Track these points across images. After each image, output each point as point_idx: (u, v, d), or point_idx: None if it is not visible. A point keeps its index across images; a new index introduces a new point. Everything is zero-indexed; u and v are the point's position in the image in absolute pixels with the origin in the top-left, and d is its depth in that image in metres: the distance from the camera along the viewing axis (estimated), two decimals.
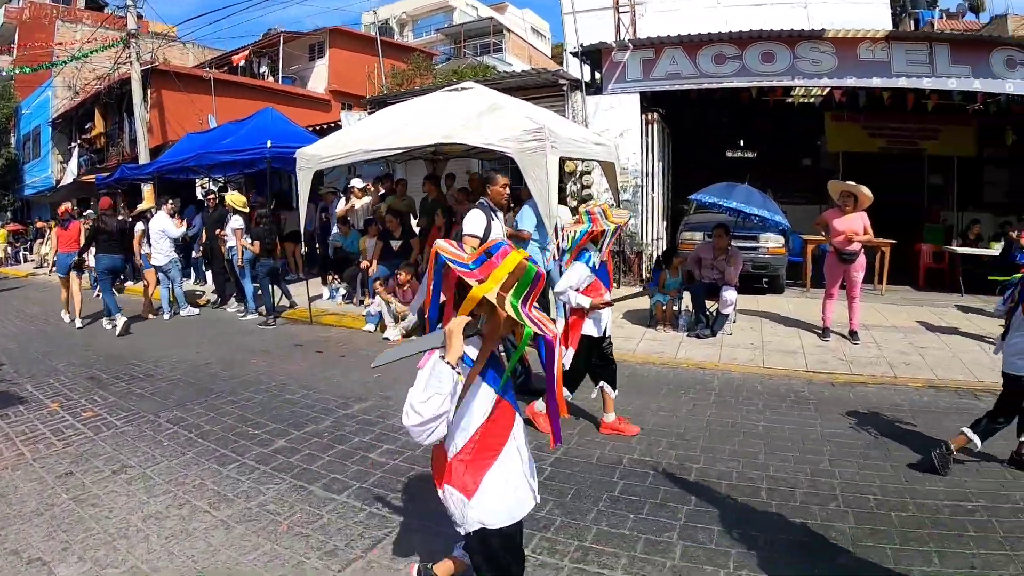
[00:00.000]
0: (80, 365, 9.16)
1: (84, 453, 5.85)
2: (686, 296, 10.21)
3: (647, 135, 14.32)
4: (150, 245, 12.49)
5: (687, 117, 17.84)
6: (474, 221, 7.09)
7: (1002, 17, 21.27)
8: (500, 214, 7.40)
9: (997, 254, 12.71)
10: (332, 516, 4.54)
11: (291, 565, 3.97)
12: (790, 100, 17.73)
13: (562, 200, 12.86)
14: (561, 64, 31.73)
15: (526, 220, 8.71)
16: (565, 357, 5.86)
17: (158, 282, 12.62)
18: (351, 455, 5.60)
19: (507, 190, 7.49)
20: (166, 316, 12.28)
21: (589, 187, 13.88)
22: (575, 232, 5.86)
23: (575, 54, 14.91)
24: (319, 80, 35.39)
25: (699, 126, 19.26)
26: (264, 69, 35.50)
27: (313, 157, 10.63)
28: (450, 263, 2.73)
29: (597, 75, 14.75)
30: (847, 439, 6.03)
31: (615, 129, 13.63)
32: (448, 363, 2.60)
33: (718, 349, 9.02)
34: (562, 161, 8.74)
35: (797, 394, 7.33)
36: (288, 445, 5.85)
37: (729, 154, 21.06)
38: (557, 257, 8.13)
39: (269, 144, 13.66)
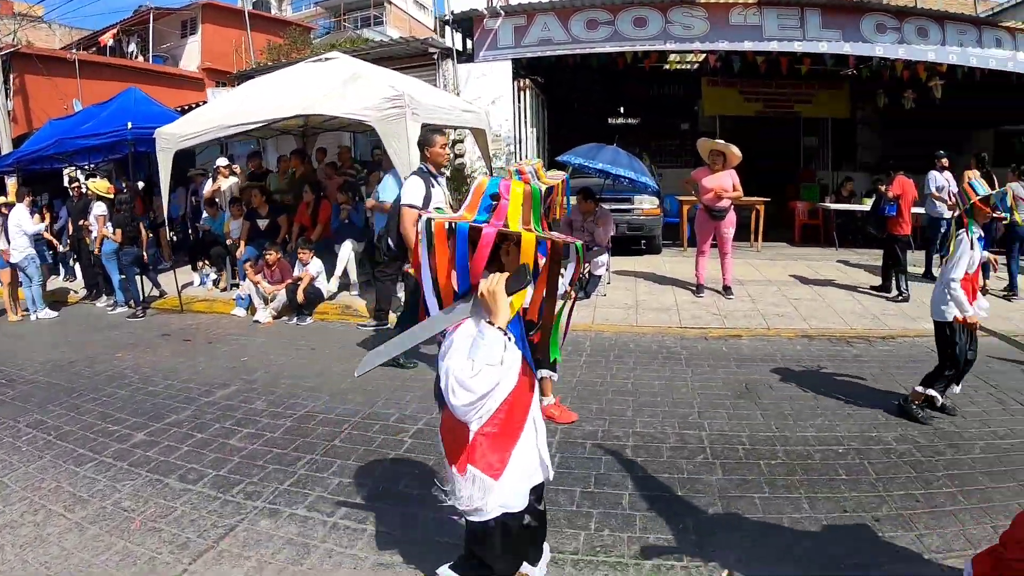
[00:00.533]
0: None
1: None
2: None
3: (519, 102, 14.28)
4: (8, 242, 11.75)
5: (567, 85, 17.94)
6: (411, 190, 6.43)
7: None
8: (441, 179, 6.85)
9: (868, 209, 13.17)
10: (186, 508, 4.35)
11: (143, 562, 3.79)
12: (667, 67, 18.00)
13: None
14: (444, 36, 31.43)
15: (388, 190, 8.44)
16: None
17: (19, 282, 11.91)
18: (209, 443, 5.40)
19: (447, 150, 6.89)
20: (38, 315, 11.61)
21: (462, 155, 13.77)
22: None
23: (446, 22, 14.71)
24: (192, 58, 33.96)
25: (580, 94, 19.47)
26: (133, 48, 34.00)
27: (172, 136, 10.17)
28: (478, 224, 2.38)
29: (469, 43, 14.62)
30: (718, 391, 6.19)
31: (487, 97, 13.52)
32: (499, 328, 2.29)
33: (592, 311, 9.08)
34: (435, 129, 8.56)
35: (669, 350, 7.47)
36: (147, 439, 5.59)
37: (611, 121, 21.36)
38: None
39: (129, 126, 13.04)
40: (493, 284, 2.30)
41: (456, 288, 2.48)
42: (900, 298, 9.75)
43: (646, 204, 12.91)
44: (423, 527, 3.96)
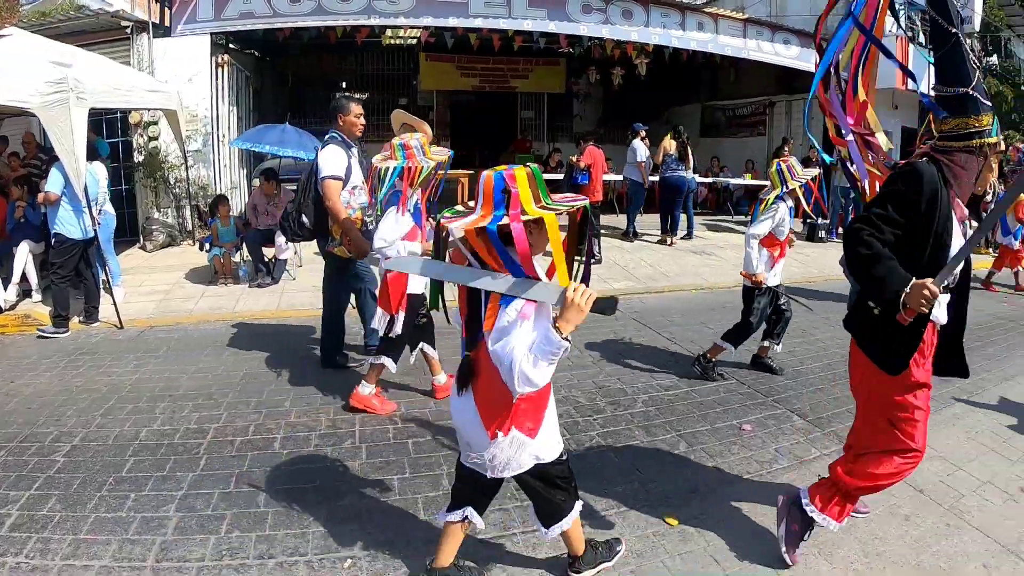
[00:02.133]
0: None
1: None
2: (245, 246, 9.84)
3: (218, 79, 13.51)
4: None
5: (292, 60, 17.50)
6: (333, 160, 5.76)
7: None
8: (355, 149, 6.13)
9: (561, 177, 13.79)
10: None
11: None
12: (388, 42, 17.91)
13: (128, 156, 12.22)
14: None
15: (53, 182, 7.69)
16: (397, 325, 5.22)
17: None
18: None
19: (361, 120, 6.13)
20: None
21: (156, 138, 12.73)
22: (386, 169, 4.99)
23: None
24: None
25: (304, 68, 18.96)
26: None
27: None
28: (510, 221, 2.51)
29: (168, 14, 13.51)
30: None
31: (184, 74, 12.64)
32: (565, 338, 2.51)
33: (278, 297, 8.85)
34: (125, 112, 7.85)
35: (348, 332, 7.25)
36: None
37: (337, 95, 21.07)
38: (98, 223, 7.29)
39: None
40: (585, 300, 2.53)
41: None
42: (594, 260, 10.23)
43: None
44: (61, 554, 3.59)
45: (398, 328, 5.23)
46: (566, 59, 19.39)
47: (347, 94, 7.17)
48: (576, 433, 5.05)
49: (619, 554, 3.45)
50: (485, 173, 2.66)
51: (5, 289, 8.89)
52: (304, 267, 10.01)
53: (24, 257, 9.13)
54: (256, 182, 12.32)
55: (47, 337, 7.88)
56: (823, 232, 15.21)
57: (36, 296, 9.31)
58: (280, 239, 9.17)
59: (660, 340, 7.44)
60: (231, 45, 13.91)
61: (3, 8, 27.24)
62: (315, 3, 13.02)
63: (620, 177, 14.78)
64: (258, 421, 5.16)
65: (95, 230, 8.08)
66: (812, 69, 16.25)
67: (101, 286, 8.44)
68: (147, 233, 12.04)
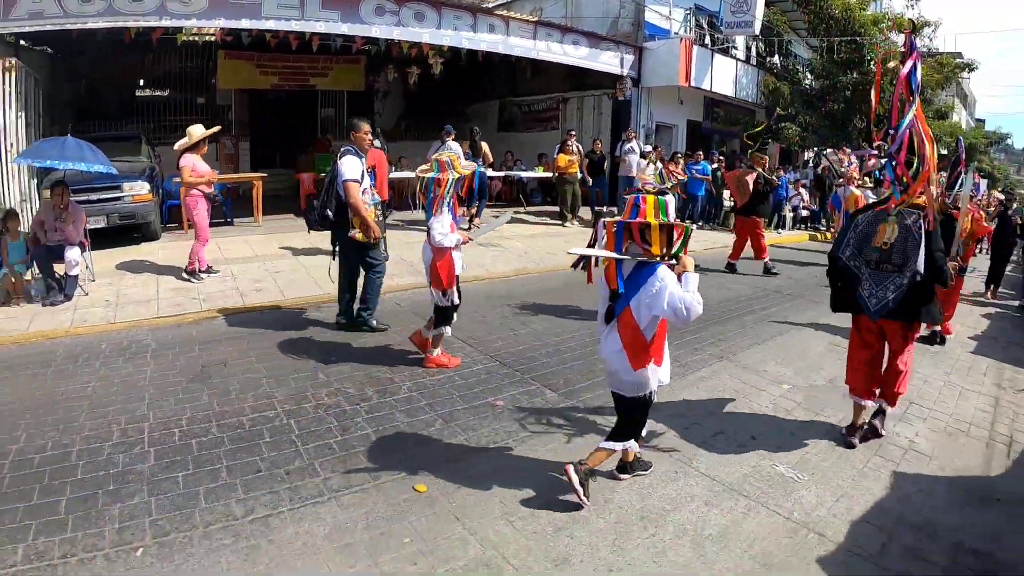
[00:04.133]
0: None
1: None
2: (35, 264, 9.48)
3: (6, 84, 12.77)
4: None
5: (87, 58, 16.98)
6: (351, 167, 7.50)
7: None
8: (364, 158, 7.90)
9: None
10: None
11: None
12: (183, 39, 17.60)
13: None
14: None
15: None
16: (450, 297, 6.72)
17: None
18: None
19: (369, 135, 8.09)
20: None
21: None
22: (426, 180, 6.57)
23: None
24: None
25: (100, 66, 18.30)
26: None
27: None
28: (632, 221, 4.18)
29: None
30: (173, 379, 6.47)
31: None
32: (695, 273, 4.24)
33: (72, 313, 8.68)
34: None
35: (139, 343, 7.56)
36: None
37: (139, 94, 20.59)
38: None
39: None
40: (691, 264, 4.25)
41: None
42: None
43: (138, 190, 12.38)
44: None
45: (453, 300, 6.76)
46: (365, 57, 19.68)
47: (358, 116, 8.18)
48: (343, 420, 5.64)
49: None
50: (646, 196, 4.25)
51: None
52: (98, 281, 9.87)
53: None
54: (47, 194, 11.94)
55: None
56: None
57: None
58: (70, 254, 9.02)
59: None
60: (22, 43, 13.32)
61: None
62: (106, 3, 12.67)
63: (413, 174, 15.40)
64: (55, 438, 5.30)
65: None
66: (600, 68, 17.73)
67: None
68: None
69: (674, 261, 4.27)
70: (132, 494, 4.48)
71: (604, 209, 15.80)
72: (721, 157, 20.21)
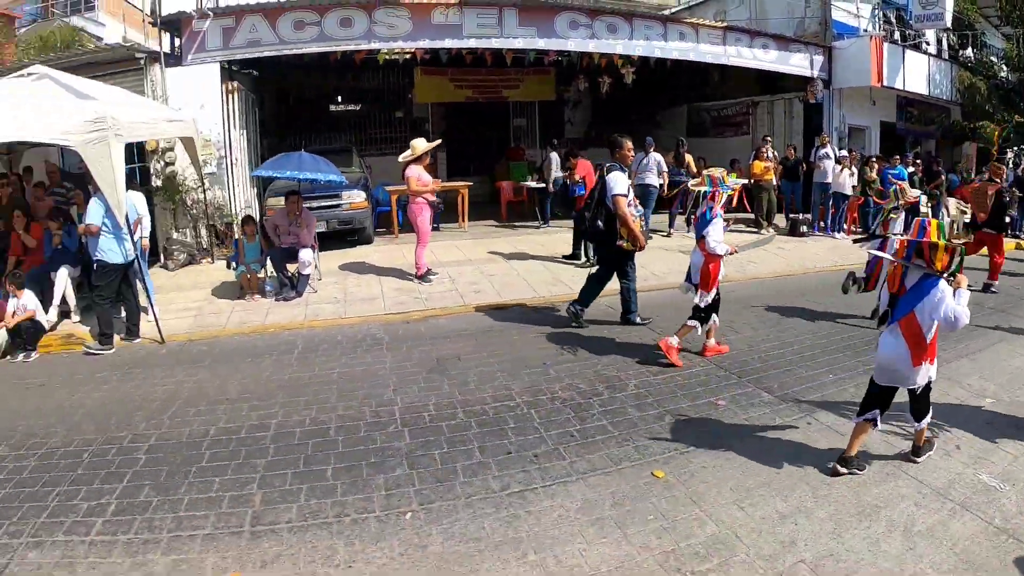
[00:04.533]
0: None
1: None
2: (269, 263, 10.48)
3: (229, 105, 14.17)
4: None
5: (286, 76, 18.07)
6: (620, 182, 8.01)
7: None
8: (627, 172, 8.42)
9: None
10: None
11: None
12: (384, 58, 18.59)
13: (146, 181, 12.69)
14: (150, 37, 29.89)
15: (92, 213, 8.35)
16: (707, 297, 7.18)
17: None
18: None
19: (631, 152, 8.58)
20: None
21: (172, 163, 13.37)
22: (699, 193, 7.40)
23: (154, 24, 14.29)
24: None
25: (300, 83, 19.65)
26: None
27: None
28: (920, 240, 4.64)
29: (178, 44, 14.15)
30: (411, 369, 6.94)
31: (196, 101, 13.29)
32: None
33: (304, 308, 9.52)
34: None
35: (373, 337, 8.12)
36: None
37: (332, 108, 21.79)
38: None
39: None
40: (965, 282, 4.70)
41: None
42: (587, 264, 11.08)
43: (355, 198, 13.44)
44: (167, 528, 4.35)
45: (708, 300, 7.17)
46: (555, 68, 20.07)
47: (618, 134, 8.79)
48: (579, 412, 5.86)
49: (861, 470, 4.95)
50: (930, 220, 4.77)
51: (47, 311, 9.54)
52: (324, 280, 10.72)
53: (64, 281, 9.75)
54: (272, 201, 13.12)
55: (93, 354, 8.50)
56: (804, 227, 15.90)
57: (75, 317, 9.97)
58: (304, 255, 9.86)
59: (650, 334, 8.19)
60: (233, 66, 14.54)
61: (2, 33, 27.55)
62: (318, 30, 13.76)
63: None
64: (311, 415, 5.92)
65: (136, 254, 8.75)
66: (790, 71, 17.27)
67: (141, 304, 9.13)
68: (168, 253, 12.77)
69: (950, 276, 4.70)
70: (394, 467, 4.90)
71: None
72: (918, 160, 19.21)
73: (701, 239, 7.08)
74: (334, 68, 17.32)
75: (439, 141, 10.86)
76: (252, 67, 15.33)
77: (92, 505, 4.77)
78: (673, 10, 23.39)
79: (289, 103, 20.23)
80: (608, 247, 8.27)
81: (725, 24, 17.41)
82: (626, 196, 7.91)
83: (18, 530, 4.60)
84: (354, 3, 13.84)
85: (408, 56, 17.61)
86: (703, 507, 4.36)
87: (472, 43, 14.63)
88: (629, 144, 8.41)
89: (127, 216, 8.48)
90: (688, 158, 16.10)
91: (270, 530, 4.22)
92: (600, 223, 8.08)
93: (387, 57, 16.99)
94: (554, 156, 15.72)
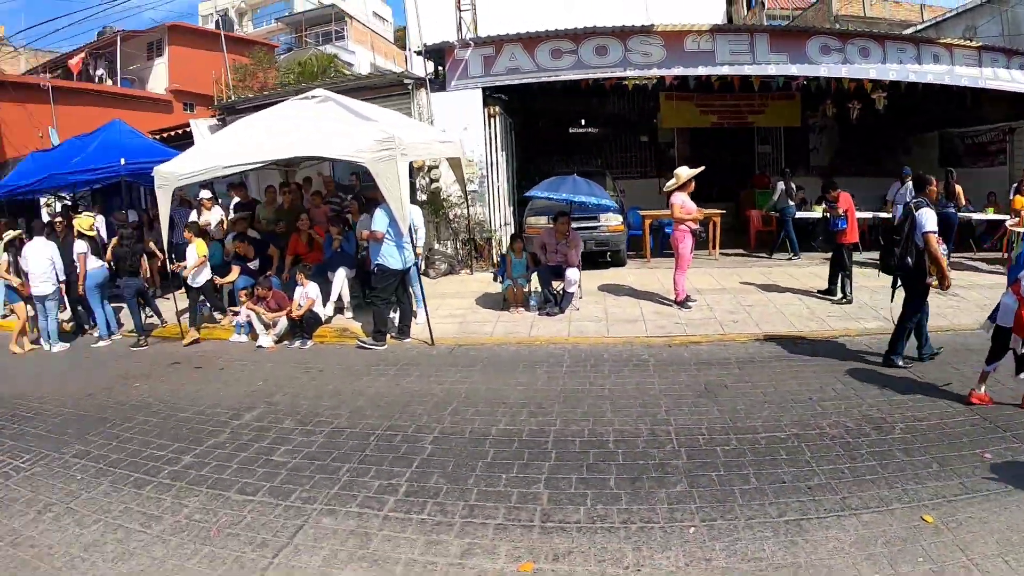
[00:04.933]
0: None
1: (1, 500, 5.94)
2: (534, 278, 11.01)
3: (490, 127, 15.08)
4: (22, 275, 11.98)
5: (531, 99, 18.79)
6: (932, 219, 7.82)
7: None
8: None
9: (818, 216, 14.34)
10: (254, 515, 5.11)
11: (231, 561, 4.51)
12: (625, 83, 19.01)
13: (412, 196, 13.60)
14: (404, 48, 31.99)
15: (379, 222, 9.40)
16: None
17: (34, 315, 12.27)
18: (255, 460, 6.14)
19: (936, 189, 8.73)
20: (54, 348, 11.99)
21: (437, 180, 14.62)
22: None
23: (419, 53, 15.49)
24: (159, 80, 34.30)
25: (543, 107, 20.29)
26: (101, 72, 34.28)
27: (171, 175, 10.53)
28: None
29: (441, 69, 15.40)
30: (681, 392, 7.12)
31: (459, 123, 14.30)
32: None
33: (567, 324, 9.97)
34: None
35: (638, 358, 8.38)
36: (195, 460, 6.29)
37: (572, 130, 22.39)
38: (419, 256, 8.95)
39: (123, 162, 13.52)
40: None
41: None
42: (844, 300, 10.82)
43: (611, 221, 13.83)
44: (459, 514, 4.85)
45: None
46: (801, 93, 19.63)
47: (923, 173, 9.07)
48: (848, 450, 5.82)
49: None
50: None
51: (324, 305, 10.73)
52: (584, 299, 11.10)
53: (341, 281, 11.03)
54: (531, 220, 13.85)
55: (366, 349, 9.57)
56: None
57: (347, 313, 11.20)
58: (571, 274, 10.35)
59: (911, 375, 7.88)
60: (486, 91, 15.31)
61: (263, 60, 30.27)
62: (575, 59, 14.49)
63: (870, 215, 15.11)
64: (589, 427, 6.28)
65: (413, 262, 9.70)
66: None
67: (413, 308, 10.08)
68: (431, 263, 13.80)
69: None
70: (674, 483, 5.13)
71: None
72: None
73: (1016, 282, 6.62)
74: (581, 92, 17.86)
75: (702, 168, 10.96)
76: (501, 92, 16.14)
77: (383, 484, 5.40)
78: (919, 27, 22.29)
79: (538, 126, 20.93)
80: (915, 284, 8.05)
81: (979, 44, 16.38)
82: (936, 233, 7.76)
83: (311, 496, 5.34)
84: (609, 31, 14.42)
85: (654, 81, 17.94)
86: (969, 555, 4.25)
87: (725, 70, 14.75)
88: (935, 181, 8.35)
89: (410, 227, 9.38)
90: (958, 189, 15.07)
91: (559, 528, 4.57)
92: (910, 260, 7.90)
93: (636, 83, 17.43)
94: (780, 185, 15.51)
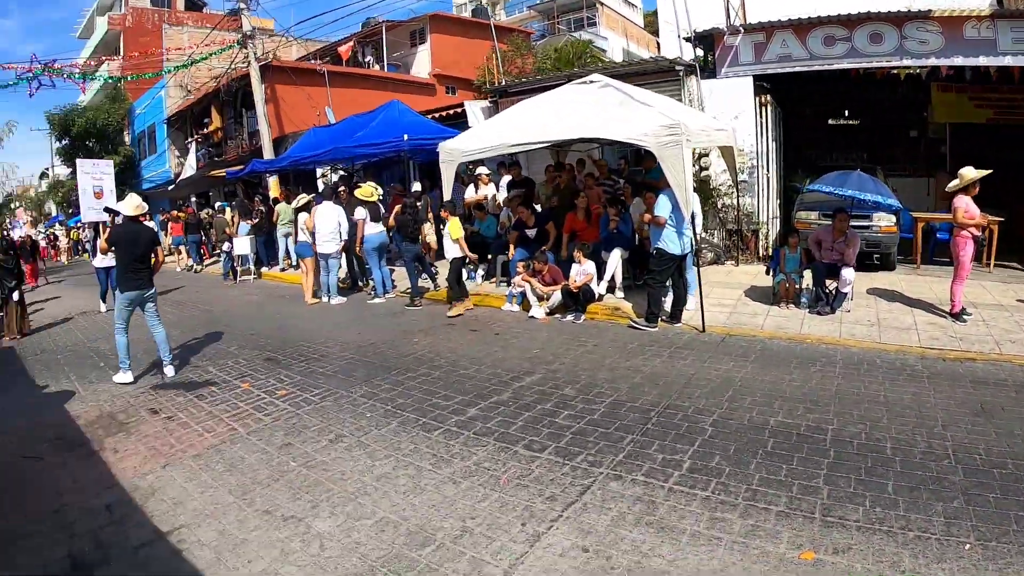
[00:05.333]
0: (252, 348, 10.40)
1: (294, 426, 6.87)
2: (807, 275, 10.74)
3: (761, 116, 14.84)
4: (311, 234, 13.59)
5: (792, 88, 18.25)
6: None
7: None
8: None
9: None
10: (541, 470, 5.51)
11: (521, 509, 4.91)
12: (895, 72, 17.94)
13: None
14: (654, 34, 31.87)
15: (662, 207, 9.66)
16: None
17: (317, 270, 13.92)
18: (539, 420, 6.59)
19: None
20: (332, 301, 13.57)
21: (707, 168, 14.56)
22: None
23: (687, 39, 15.44)
24: (422, 65, 36.56)
25: (803, 96, 19.45)
26: (369, 58, 36.81)
27: (455, 151, 11.63)
28: None
29: (709, 57, 15.30)
30: (957, 408, 6.77)
31: (729, 112, 14.15)
32: None
33: (838, 325, 9.68)
34: None
35: (912, 368, 8.03)
36: (480, 414, 6.88)
37: (831, 122, 21.35)
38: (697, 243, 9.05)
39: (406, 138, 14.69)
40: None
41: None
42: None
43: (883, 221, 13.16)
44: (742, 496, 4.98)
45: None
46: None
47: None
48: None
49: None
50: None
51: (598, 284, 11.14)
52: (855, 301, 10.71)
53: (616, 261, 11.42)
54: (802, 215, 13.59)
55: (638, 329, 9.90)
56: None
57: (619, 293, 11.54)
58: (847, 273, 10.06)
59: None
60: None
61: (521, 46, 31.23)
62: (848, 46, 13.86)
63: None
64: (865, 431, 6.16)
65: (691, 248, 9.91)
66: None
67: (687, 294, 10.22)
68: (697, 251, 13.84)
69: None
70: (951, 498, 4.94)
71: None
72: None
73: None
74: (845, 81, 17.13)
75: (990, 171, 10.20)
76: (764, 80, 15.82)
77: (666, 458, 5.61)
78: None
79: (803, 116, 20.19)
80: None
81: None
82: None
83: (597, 460, 5.65)
84: (883, 17, 13.62)
85: (928, 70, 16.90)
86: None
87: (1008, 60, 13.40)
88: None
89: (692, 214, 9.59)
90: None
91: (839, 523, 4.57)
92: None
93: (908, 72, 16.52)
94: None
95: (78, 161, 25.68)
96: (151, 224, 18.36)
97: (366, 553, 4.49)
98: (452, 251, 11.84)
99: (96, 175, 25.05)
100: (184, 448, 6.57)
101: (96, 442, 6.98)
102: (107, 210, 16.70)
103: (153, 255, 9.19)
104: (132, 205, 9.10)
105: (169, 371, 9.12)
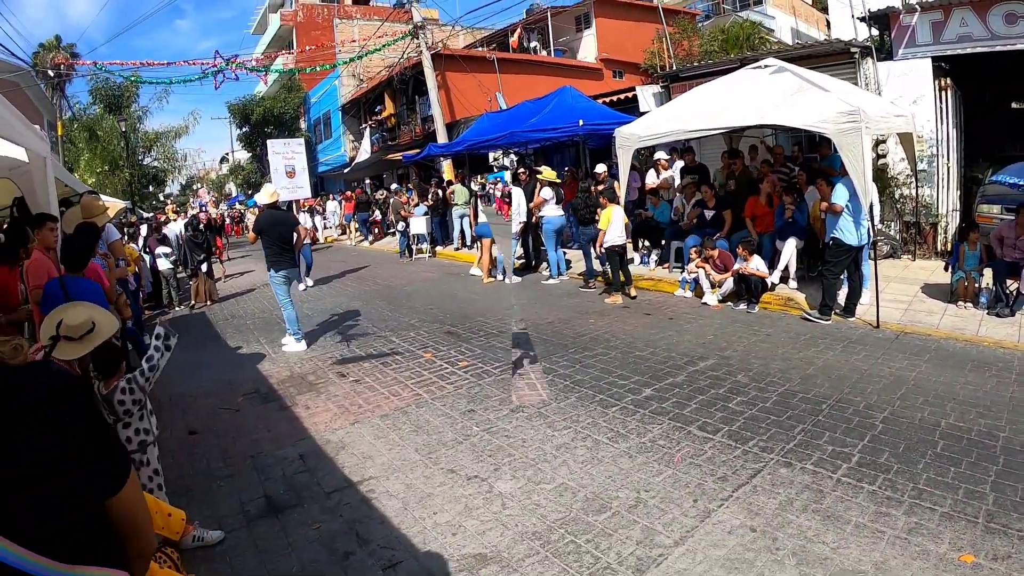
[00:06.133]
0: (433, 322, 11.20)
1: (476, 395, 7.49)
2: (987, 273, 10.21)
3: (941, 101, 14.07)
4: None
5: (971, 70, 17.36)
6: None
7: None
8: None
9: None
10: (714, 451, 5.80)
11: (694, 486, 5.20)
12: None
13: None
14: (824, 11, 30.50)
15: (839, 195, 9.53)
16: None
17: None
18: (712, 404, 6.86)
19: None
20: (507, 280, 14.33)
21: (884, 156, 14.02)
22: None
23: (861, 19, 14.98)
24: (587, 50, 36.69)
25: (984, 78, 18.53)
26: (535, 44, 37.35)
27: (632, 136, 11.88)
28: None
29: (885, 38, 14.77)
30: None
31: (908, 96, 13.60)
32: None
33: (1017, 329, 9.13)
34: None
35: None
36: (655, 394, 7.22)
37: (1015, 105, 20.03)
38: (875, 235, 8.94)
39: (581, 123, 15.06)
40: None
41: None
42: None
43: None
44: (907, 494, 5.04)
45: None
46: None
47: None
48: None
49: None
50: None
51: (771, 273, 11.15)
52: None
53: (791, 251, 11.41)
54: (983, 208, 12.97)
55: (811, 321, 9.87)
56: None
57: (792, 283, 11.52)
58: None
59: None
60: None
61: (687, 28, 30.71)
62: None
63: None
64: None
65: (868, 239, 9.77)
66: None
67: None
68: (873, 243, 13.50)
69: None
70: None
71: None
72: None
73: None
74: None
75: None
76: (941, 61, 15.15)
77: (836, 450, 5.74)
78: None
79: (984, 101, 19.09)
80: None
81: None
82: None
83: (768, 447, 5.85)
84: None
85: None
86: None
87: None
88: None
89: (871, 204, 9.47)
90: None
91: (1002, 530, 4.53)
92: None
93: None
94: None
95: (269, 142, 27.63)
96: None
97: (545, 514, 4.95)
98: (611, 238, 12.04)
99: (288, 155, 27.01)
100: (372, 409, 7.38)
101: (288, 399, 7.94)
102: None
103: (296, 234, 10.19)
104: (267, 194, 10.34)
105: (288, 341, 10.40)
